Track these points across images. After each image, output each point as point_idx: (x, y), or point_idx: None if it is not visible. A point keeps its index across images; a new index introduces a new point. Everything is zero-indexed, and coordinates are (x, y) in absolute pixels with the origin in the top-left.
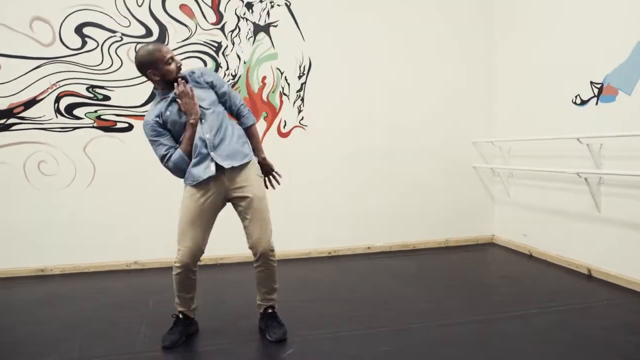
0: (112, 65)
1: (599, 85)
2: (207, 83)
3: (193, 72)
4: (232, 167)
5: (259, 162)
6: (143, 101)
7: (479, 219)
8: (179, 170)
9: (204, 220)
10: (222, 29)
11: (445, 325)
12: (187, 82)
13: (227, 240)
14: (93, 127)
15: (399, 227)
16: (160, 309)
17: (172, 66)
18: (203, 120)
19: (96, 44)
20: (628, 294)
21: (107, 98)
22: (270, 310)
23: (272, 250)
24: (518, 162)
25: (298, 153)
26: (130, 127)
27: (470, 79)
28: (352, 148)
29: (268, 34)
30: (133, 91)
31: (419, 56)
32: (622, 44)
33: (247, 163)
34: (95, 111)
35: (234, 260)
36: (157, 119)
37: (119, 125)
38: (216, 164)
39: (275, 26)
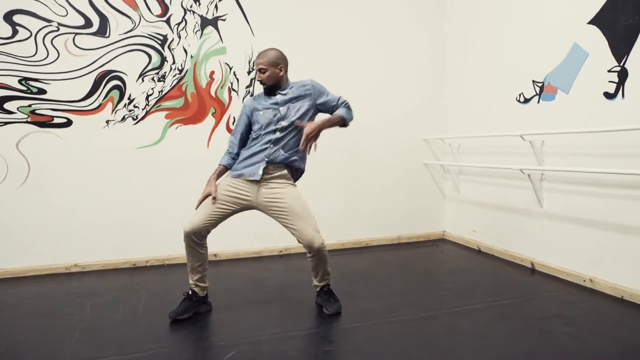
0: (47, 56)
1: (540, 84)
2: (309, 94)
3: (304, 83)
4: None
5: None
6: (82, 95)
7: (431, 215)
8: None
9: (222, 209)
10: (167, 21)
11: (391, 322)
12: (284, 88)
13: (173, 240)
14: (27, 122)
15: (352, 225)
16: (98, 312)
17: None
18: (282, 133)
19: (29, 34)
20: (567, 285)
21: (42, 91)
22: (326, 288)
23: (323, 243)
24: (467, 159)
25: None
26: (68, 123)
27: (421, 77)
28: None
29: (216, 27)
30: (72, 85)
31: (371, 54)
32: (560, 44)
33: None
34: (29, 105)
35: (180, 261)
36: (252, 102)
37: (56, 120)
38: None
39: (224, 20)
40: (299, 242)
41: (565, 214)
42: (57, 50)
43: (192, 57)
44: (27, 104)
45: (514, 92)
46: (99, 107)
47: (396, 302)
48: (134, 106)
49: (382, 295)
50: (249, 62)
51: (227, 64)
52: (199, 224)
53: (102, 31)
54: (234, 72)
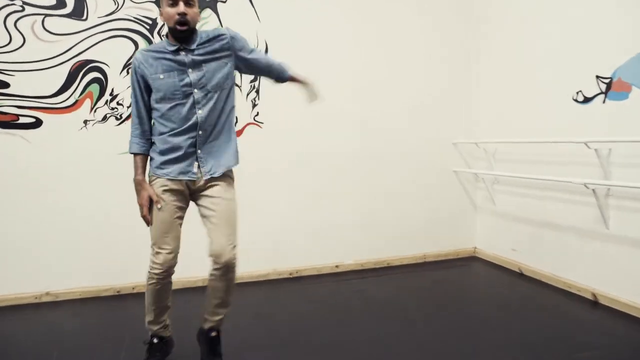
0: (10, 42)
1: (607, 80)
2: (231, 49)
3: (220, 34)
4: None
5: (289, 79)
6: (55, 90)
7: (460, 230)
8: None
9: (181, 217)
10: (157, 2)
11: None
12: (194, 41)
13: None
14: None
15: (371, 241)
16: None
17: (171, 10)
18: (200, 104)
19: None
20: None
21: (4, 85)
22: (213, 334)
23: (235, 261)
24: (504, 167)
25: (252, 155)
26: (37, 123)
27: (451, 71)
28: (315, 150)
29: (215, 10)
30: (41, 77)
31: (393, 46)
32: (638, 31)
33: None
34: None
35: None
36: (142, 64)
37: (22, 120)
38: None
39: (224, 2)
40: (208, 253)
41: (637, 237)
42: (23, 35)
43: None
44: None
45: (569, 89)
46: (75, 105)
47: (423, 340)
48: (117, 103)
49: (406, 334)
50: None
51: None
52: (173, 250)
53: (78, 13)
54: None
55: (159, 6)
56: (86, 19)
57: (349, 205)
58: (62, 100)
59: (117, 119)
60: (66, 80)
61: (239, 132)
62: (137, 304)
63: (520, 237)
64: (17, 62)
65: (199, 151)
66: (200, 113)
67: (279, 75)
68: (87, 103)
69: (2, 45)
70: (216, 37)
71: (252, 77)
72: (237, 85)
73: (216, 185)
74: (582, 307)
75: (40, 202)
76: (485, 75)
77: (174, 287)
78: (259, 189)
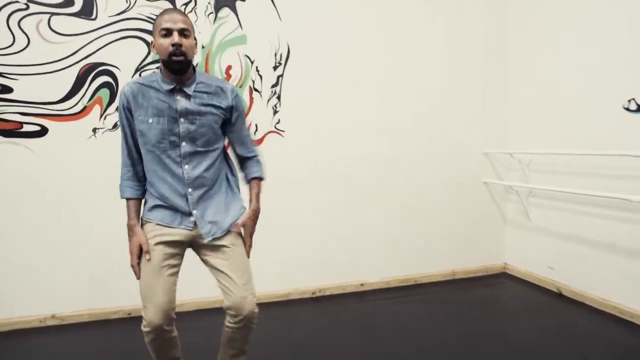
0: (13, 43)
1: None
2: (227, 105)
3: (224, 88)
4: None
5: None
6: (61, 95)
7: (490, 244)
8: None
9: (172, 266)
10: (172, 0)
11: None
12: (192, 81)
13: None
14: None
15: (397, 257)
16: None
17: (164, 41)
18: (187, 159)
19: None
20: None
21: (7, 90)
22: None
23: (257, 310)
24: (541, 179)
25: (273, 166)
26: (43, 131)
27: (480, 75)
28: (339, 159)
29: (234, 9)
30: (47, 81)
31: (421, 48)
32: None
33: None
34: None
35: (191, 308)
36: (131, 101)
37: (26, 128)
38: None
39: (244, 0)
40: (226, 301)
41: None
42: (27, 36)
43: (203, 47)
44: None
45: (620, 96)
46: (83, 111)
47: None
48: None
49: None
50: (276, 55)
51: (247, 57)
52: (167, 304)
53: (87, 11)
54: (256, 68)
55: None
56: (95, 18)
57: (373, 219)
58: (69, 107)
59: None
60: (74, 85)
61: (260, 141)
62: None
63: (559, 255)
64: (21, 64)
65: (194, 211)
66: (187, 168)
67: (248, 168)
68: (97, 109)
69: (4, 46)
70: (220, 91)
71: (273, 81)
72: (257, 90)
73: (223, 236)
74: (636, 336)
75: (45, 217)
76: (519, 79)
77: (179, 309)
78: (278, 201)
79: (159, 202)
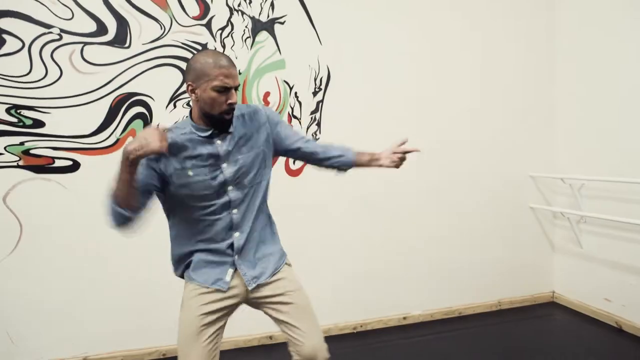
0: (46, 75)
1: None
2: (267, 132)
3: (255, 111)
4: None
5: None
6: (94, 128)
7: (537, 272)
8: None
9: (212, 332)
10: (207, 25)
11: None
12: (230, 122)
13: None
14: (18, 166)
15: (440, 288)
16: None
17: (219, 97)
18: (236, 203)
19: (21, 44)
20: None
21: (39, 124)
22: None
23: (329, 356)
24: (593, 205)
25: (313, 197)
26: (75, 166)
27: (527, 94)
28: (380, 187)
29: (272, 33)
30: (79, 114)
31: (463, 68)
32: None
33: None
34: (22, 143)
35: (233, 346)
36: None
37: (58, 163)
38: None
39: (282, 23)
40: (295, 353)
41: None
42: (59, 67)
43: (240, 73)
44: (18, 142)
45: None
46: (116, 144)
47: None
48: None
49: None
50: (315, 80)
51: (286, 82)
52: None
53: (121, 40)
54: (295, 93)
55: (184, 76)
56: (129, 46)
57: (414, 247)
58: (102, 140)
59: None
60: (106, 117)
61: (300, 170)
62: None
63: (617, 286)
64: (53, 97)
65: (236, 257)
66: (236, 213)
67: (342, 158)
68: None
69: (37, 79)
70: (253, 115)
71: (313, 107)
72: (295, 117)
73: (275, 281)
74: None
75: (77, 255)
76: (569, 98)
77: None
78: (315, 232)
79: (200, 249)
